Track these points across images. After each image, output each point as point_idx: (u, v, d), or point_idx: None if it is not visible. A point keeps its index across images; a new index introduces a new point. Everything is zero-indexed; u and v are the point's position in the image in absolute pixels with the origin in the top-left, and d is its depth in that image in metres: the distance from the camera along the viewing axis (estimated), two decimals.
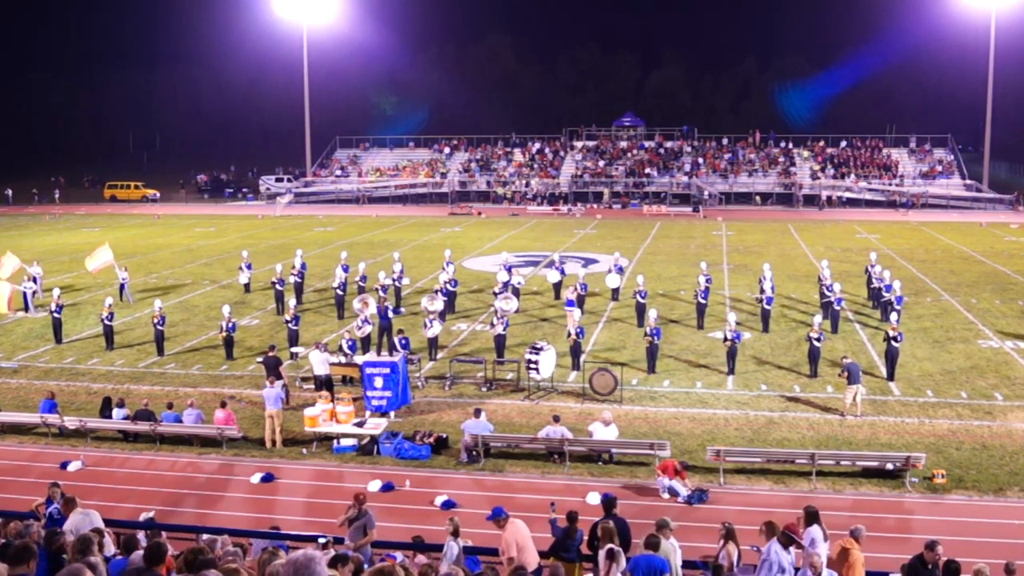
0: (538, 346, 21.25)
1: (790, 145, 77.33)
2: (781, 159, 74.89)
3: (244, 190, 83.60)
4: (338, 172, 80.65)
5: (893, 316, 24.19)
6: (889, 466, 16.37)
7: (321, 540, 11.65)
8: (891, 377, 22.12)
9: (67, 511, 11.12)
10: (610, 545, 10.47)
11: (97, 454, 18.38)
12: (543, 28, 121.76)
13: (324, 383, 20.76)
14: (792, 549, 10.56)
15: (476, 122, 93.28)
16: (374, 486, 16.31)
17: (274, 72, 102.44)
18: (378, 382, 19.35)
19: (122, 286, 32.33)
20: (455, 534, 11.33)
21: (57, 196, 76.72)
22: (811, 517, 11.51)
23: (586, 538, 11.73)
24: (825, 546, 11.48)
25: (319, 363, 20.93)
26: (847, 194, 68.66)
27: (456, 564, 10.47)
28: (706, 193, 68.85)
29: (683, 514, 15.04)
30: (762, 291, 27.92)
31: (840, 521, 14.36)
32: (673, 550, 10.69)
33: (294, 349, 24.52)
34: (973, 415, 19.78)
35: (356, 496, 12.31)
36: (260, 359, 22.43)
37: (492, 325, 24.25)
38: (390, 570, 8.65)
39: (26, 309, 30.68)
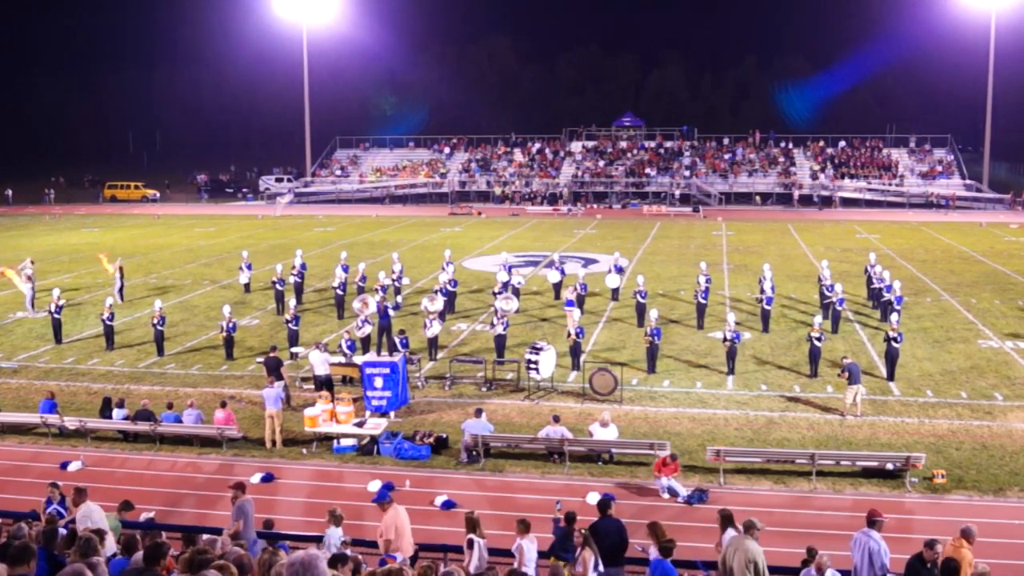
0: (538, 346, 21.25)
1: (790, 145, 77.33)
2: (781, 159, 74.89)
3: (244, 190, 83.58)
4: (338, 172, 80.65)
5: (893, 316, 24.15)
6: (889, 466, 16.37)
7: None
8: (891, 377, 22.12)
9: (79, 501, 11.40)
10: (471, 535, 11.13)
11: (97, 454, 18.37)
12: (543, 28, 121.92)
13: (324, 383, 20.75)
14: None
15: (476, 122, 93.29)
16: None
17: (274, 72, 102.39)
18: (378, 382, 19.35)
19: (120, 286, 32.26)
20: (336, 523, 11.56)
21: (52, 196, 76.30)
22: (726, 520, 11.49)
23: None
24: None
25: (319, 363, 20.92)
26: (829, 193, 68.42)
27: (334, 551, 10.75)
28: (677, 193, 69.42)
29: (683, 514, 15.05)
30: (762, 291, 27.92)
31: (840, 521, 14.41)
32: (760, 551, 10.63)
33: (294, 349, 24.52)
34: (973, 415, 19.79)
35: (234, 486, 12.35)
36: (261, 359, 22.43)
37: (492, 325, 24.25)
38: (392, 571, 8.67)
39: (33, 307, 30.62)
